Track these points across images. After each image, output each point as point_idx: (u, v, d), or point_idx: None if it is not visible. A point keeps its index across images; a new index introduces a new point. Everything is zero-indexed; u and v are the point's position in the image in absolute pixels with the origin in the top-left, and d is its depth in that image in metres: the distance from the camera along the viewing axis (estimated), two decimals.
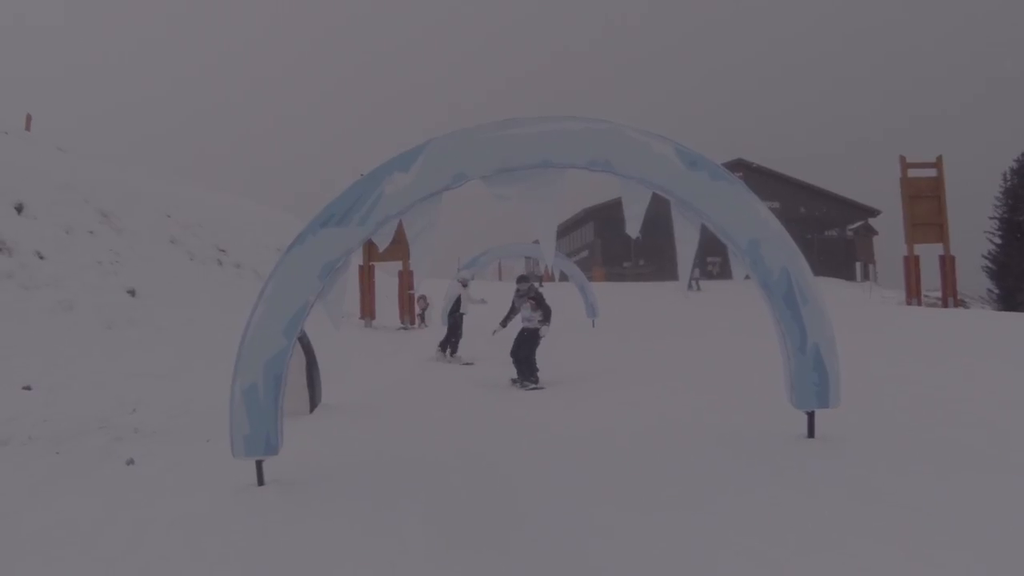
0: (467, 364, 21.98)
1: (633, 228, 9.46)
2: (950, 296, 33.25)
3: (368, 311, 29.61)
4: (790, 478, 8.18)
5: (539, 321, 17.56)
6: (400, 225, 9.11)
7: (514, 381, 17.44)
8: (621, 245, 78.98)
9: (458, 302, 24.17)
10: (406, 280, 30.89)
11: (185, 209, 27.18)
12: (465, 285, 24.68)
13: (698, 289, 53.22)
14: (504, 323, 21.12)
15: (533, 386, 16.86)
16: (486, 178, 8.97)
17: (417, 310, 31.55)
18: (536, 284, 24.52)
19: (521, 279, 21.04)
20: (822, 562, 6.07)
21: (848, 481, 7.92)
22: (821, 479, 8.05)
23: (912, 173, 34.07)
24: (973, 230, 56.42)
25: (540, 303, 17.77)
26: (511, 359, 17.66)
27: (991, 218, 56.27)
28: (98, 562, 6.70)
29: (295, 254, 8.64)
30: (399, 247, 27.25)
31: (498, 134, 8.89)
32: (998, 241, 54.65)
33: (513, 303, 20.80)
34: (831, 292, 38.10)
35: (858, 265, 74.86)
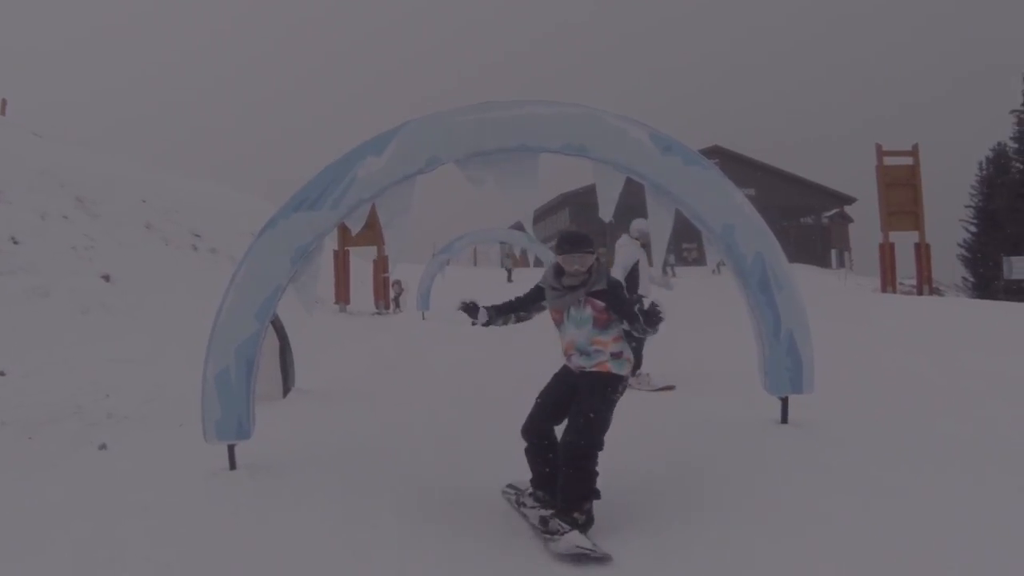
0: (665, 389, 13.52)
1: (606, 213, 9.44)
2: (925, 284, 33.36)
3: (343, 296, 29.55)
4: (764, 465, 8.22)
5: (613, 356, 7.58)
6: (374, 209, 9.10)
7: (524, 503, 7.70)
8: (597, 231, 79.06)
9: (634, 277, 14.21)
10: (381, 265, 30.85)
11: (160, 194, 27.13)
12: (645, 244, 14.25)
13: (673, 275, 53.30)
14: (495, 317, 8.22)
15: (576, 547, 6.50)
16: (460, 162, 8.97)
17: (392, 295, 31.54)
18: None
19: (571, 243, 7.60)
20: (792, 547, 6.11)
21: (820, 467, 7.96)
22: (794, 465, 8.09)
23: (888, 161, 34.11)
24: (949, 218, 56.77)
25: (616, 301, 7.55)
26: (527, 446, 7.85)
27: (967, 207, 56.78)
28: (69, 547, 6.69)
29: (267, 238, 8.61)
30: (374, 232, 27.14)
31: (473, 118, 8.85)
32: (973, 230, 55.21)
33: (531, 296, 8.26)
34: (806, 279, 38.24)
35: (833, 252, 75.13)
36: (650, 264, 13.62)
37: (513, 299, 8.25)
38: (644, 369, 13.94)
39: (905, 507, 6.77)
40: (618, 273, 14.03)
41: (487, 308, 8.10)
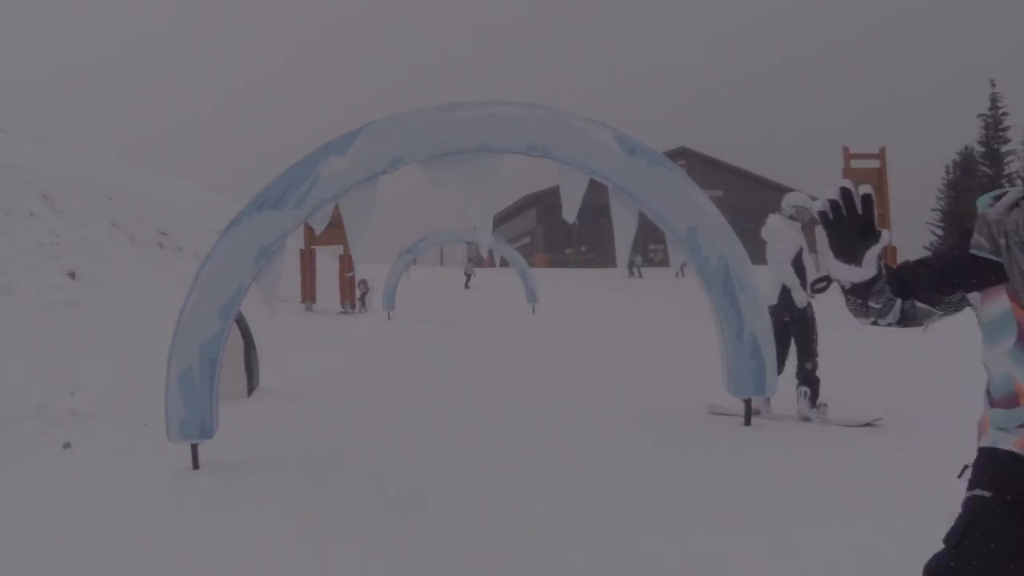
0: (868, 424, 10.02)
1: (570, 214, 9.48)
2: None
3: (309, 295, 29.49)
4: (720, 463, 8.29)
5: None
6: (337, 208, 9.11)
7: None
8: (563, 231, 79.18)
9: (800, 272, 10.72)
10: (347, 264, 30.79)
11: (127, 192, 27.06)
12: (805, 224, 11.16)
13: (639, 276, 53.34)
14: (879, 290, 3.37)
15: None
16: (423, 162, 8.99)
17: (357, 294, 31.50)
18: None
19: None
20: (738, 545, 6.16)
21: (774, 465, 8.02)
22: (748, 463, 8.16)
23: (855, 164, 34.29)
24: (915, 221, 57.24)
25: None
26: None
27: (933, 210, 57.31)
28: (31, 545, 6.68)
29: (231, 237, 8.64)
30: (339, 231, 27.00)
31: (436, 118, 8.91)
32: (940, 233, 55.72)
33: (947, 274, 3.50)
34: None
35: None
36: (812, 250, 11.30)
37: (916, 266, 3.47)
38: (824, 401, 10.60)
39: (857, 510, 6.81)
40: (777, 271, 10.80)
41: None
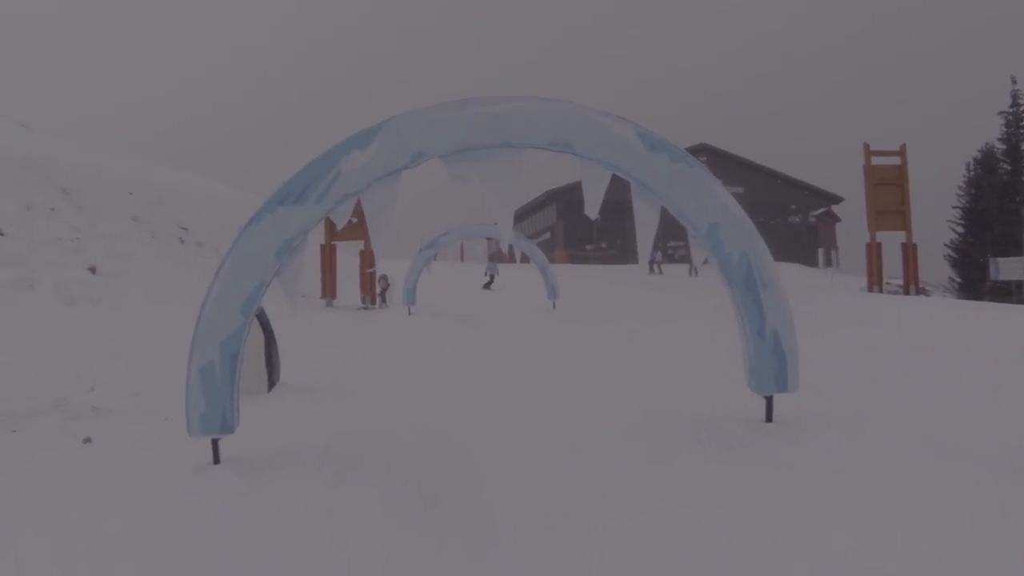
0: None
1: (592, 210, 9.44)
2: (912, 284, 33.39)
3: (329, 290, 29.54)
4: (735, 457, 8.27)
5: None
6: (359, 203, 9.09)
7: None
8: (584, 227, 79.15)
9: None
10: (368, 259, 30.81)
11: (147, 187, 27.11)
12: None
13: (660, 272, 53.32)
14: None
15: None
16: (445, 157, 8.97)
17: (378, 289, 31.52)
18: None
19: None
20: (758, 542, 6.11)
21: (797, 466, 7.96)
22: (771, 462, 8.11)
23: (876, 161, 34.13)
24: (936, 219, 56.96)
25: None
26: None
27: (954, 207, 57.02)
28: (49, 540, 6.67)
29: (251, 232, 8.61)
30: (361, 226, 26.98)
31: (458, 113, 8.87)
32: (960, 230, 55.51)
33: None
34: (793, 277, 38.34)
35: (820, 251, 75.25)
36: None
37: None
38: None
39: (877, 510, 6.76)
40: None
41: None
